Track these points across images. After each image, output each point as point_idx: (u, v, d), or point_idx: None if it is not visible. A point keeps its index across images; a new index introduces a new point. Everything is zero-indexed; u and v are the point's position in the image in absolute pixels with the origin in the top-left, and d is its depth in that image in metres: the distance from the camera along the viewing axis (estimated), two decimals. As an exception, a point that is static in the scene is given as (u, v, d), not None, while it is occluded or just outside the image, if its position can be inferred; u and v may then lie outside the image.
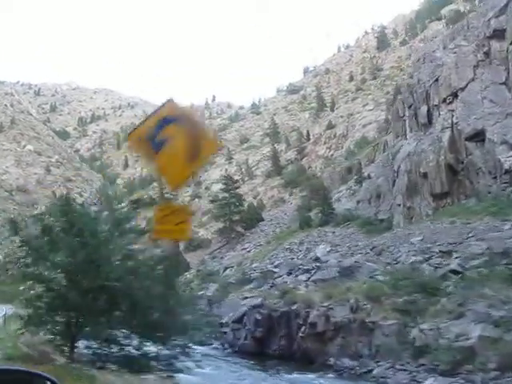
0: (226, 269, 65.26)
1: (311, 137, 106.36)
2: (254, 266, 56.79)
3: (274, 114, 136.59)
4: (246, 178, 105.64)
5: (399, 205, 48.66)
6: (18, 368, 3.46)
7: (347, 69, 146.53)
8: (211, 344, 28.37)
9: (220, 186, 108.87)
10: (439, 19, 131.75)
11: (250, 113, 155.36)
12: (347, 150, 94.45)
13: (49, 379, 2.80)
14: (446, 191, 44.11)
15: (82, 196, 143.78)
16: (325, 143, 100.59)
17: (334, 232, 55.36)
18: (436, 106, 48.46)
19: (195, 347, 16.70)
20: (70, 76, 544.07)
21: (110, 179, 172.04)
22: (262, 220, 78.67)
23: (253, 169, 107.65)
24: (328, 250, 46.24)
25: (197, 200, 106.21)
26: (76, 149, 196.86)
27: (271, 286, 40.71)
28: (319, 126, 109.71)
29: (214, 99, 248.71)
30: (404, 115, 55.27)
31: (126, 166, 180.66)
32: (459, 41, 49.65)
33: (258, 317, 31.13)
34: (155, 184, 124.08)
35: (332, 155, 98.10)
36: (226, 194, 77.13)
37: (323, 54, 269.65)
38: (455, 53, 48.37)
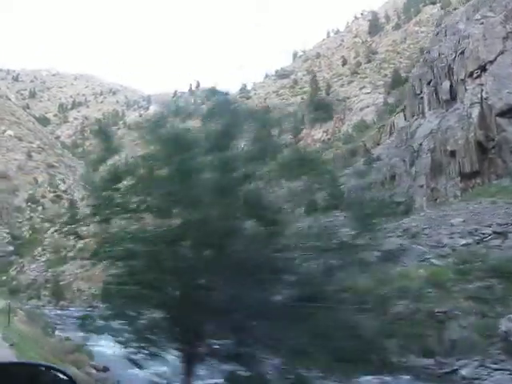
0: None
1: (305, 120, 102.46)
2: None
3: (265, 99, 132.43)
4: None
5: (421, 186, 45.36)
6: (30, 362, 4.03)
7: (338, 53, 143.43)
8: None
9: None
10: (433, 3, 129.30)
11: (239, 97, 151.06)
12: (345, 133, 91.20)
13: (63, 373, 2.66)
14: (476, 170, 40.84)
15: (65, 183, 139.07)
16: (321, 127, 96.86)
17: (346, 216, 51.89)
18: (462, 80, 45.11)
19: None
20: (49, 62, 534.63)
21: (92, 166, 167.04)
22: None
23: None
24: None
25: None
26: (56, 135, 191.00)
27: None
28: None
29: (198, 86, 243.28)
30: (421, 92, 51.91)
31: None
32: (485, 12, 46.27)
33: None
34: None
35: (329, 139, 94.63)
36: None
37: (313, 39, 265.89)
38: (482, 23, 45.01)
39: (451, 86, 46.28)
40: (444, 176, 43.38)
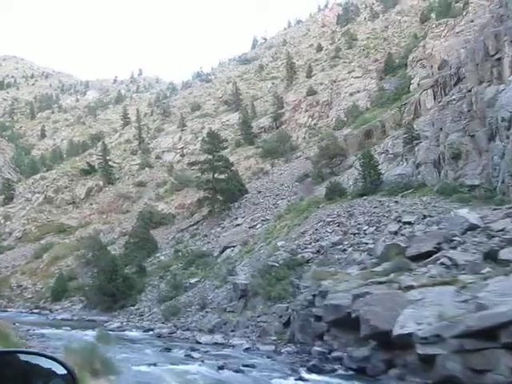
0: (224, 249, 48.79)
1: (284, 104, 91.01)
2: (280, 244, 41.23)
3: (228, 83, 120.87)
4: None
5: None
6: (28, 350, 3.30)
7: (305, 42, 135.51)
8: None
9: (173, 154, 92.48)
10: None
11: (199, 81, 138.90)
12: (337, 118, 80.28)
13: (62, 364, 2.62)
14: None
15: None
16: (306, 111, 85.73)
17: (396, 202, 40.24)
18: None
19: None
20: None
21: (24, 149, 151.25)
22: (247, 192, 62.36)
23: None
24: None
25: (147, 169, 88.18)
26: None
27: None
28: (294, 93, 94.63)
29: (140, 73, 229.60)
30: (498, 52, 40.92)
31: (42, 136, 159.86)
32: None
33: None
34: (89, 152, 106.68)
35: (315, 124, 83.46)
36: (210, 156, 60.27)
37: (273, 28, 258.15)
38: None
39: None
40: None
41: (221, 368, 20.70)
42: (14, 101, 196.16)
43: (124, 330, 35.94)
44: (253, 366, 21.35)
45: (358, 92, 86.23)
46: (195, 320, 35.47)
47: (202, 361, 22.56)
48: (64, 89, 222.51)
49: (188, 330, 33.89)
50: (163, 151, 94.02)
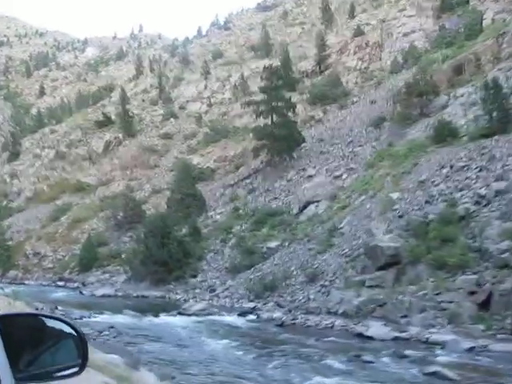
0: (306, 205, 38.42)
1: (326, 48, 79.90)
2: (395, 196, 31.25)
3: (250, 30, 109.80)
4: (240, 95, 78.21)
5: None
6: (35, 312, 3.76)
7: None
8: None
9: (199, 104, 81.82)
10: None
11: (217, 29, 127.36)
12: (393, 61, 69.58)
13: (69, 324, 2.58)
14: None
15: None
16: (355, 53, 74.72)
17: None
18: None
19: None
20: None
21: (22, 108, 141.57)
22: (303, 141, 51.72)
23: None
24: None
25: (172, 120, 77.27)
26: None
27: None
28: (336, 35, 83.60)
29: (140, 30, 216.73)
30: None
31: (41, 94, 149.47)
32: None
33: None
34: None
35: (366, 68, 72.77)
36: (266, 96, 49.75)
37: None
38: None
39: None
40: None
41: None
42: (8, 59, 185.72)
43: (210, 314, 25.53)
44: None
45: (414, 32, 75.53)
46: (312, 298, 25.25)
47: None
48: (60, 47, 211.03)
49: (310, 312, 23.65)
50: (187, 101, 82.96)
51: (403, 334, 18.46)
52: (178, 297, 33.53)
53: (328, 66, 75.94)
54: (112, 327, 20.41)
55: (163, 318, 23.47)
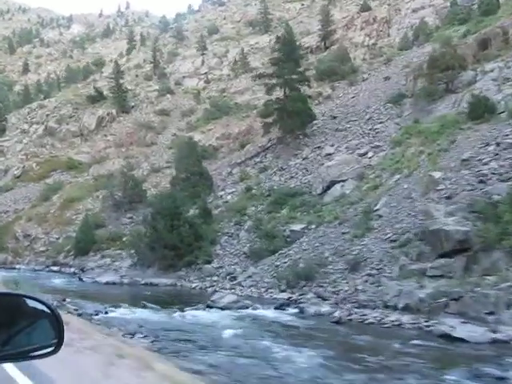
0: (331, 185, 35.15)
1: (330, 23, 76.30)
2: (437, 176, 28.14)
3: (246, 5, 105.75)
4: (240, 71, 74.52)
5: None
6: (11, 292, 3.60)
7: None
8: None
9: (196, 80, 78.03)
10: None
11: (210, 4, 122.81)
12: (403, 37, 66.33)
13: (44, 303, 2.55)
14: None
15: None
16: (362, 29, 71.25)
17: None
18: None
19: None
20: None
21: (5, 85, 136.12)
22: (315, 117, 48.29)
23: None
24: None
25: (169, 96, 73.32)
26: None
27: None
28: (341, 10, 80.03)
29: (127, 7, 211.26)
30: None
31: (25, 71, 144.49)
32: None
33: None
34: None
35: (374, 44, 69.45)
36: (276, 69, 46.35)
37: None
38: None
39: None
40: None
41: None
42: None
43: (244, 307, 22.04)
44: None
45: (423, 8, 72.47)
46: (360, 289, 21.90)
47: None
48: (44, 23, 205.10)
49: (362, 306, 20.32)
50: (183, 76, 79.12)
51: (499, 336, 15.15)
52: (193, 285, 30.04)
53: (333, 42, 72.46)
54: (141, 326, 16.90)
55: (192, 313, 19.99)
